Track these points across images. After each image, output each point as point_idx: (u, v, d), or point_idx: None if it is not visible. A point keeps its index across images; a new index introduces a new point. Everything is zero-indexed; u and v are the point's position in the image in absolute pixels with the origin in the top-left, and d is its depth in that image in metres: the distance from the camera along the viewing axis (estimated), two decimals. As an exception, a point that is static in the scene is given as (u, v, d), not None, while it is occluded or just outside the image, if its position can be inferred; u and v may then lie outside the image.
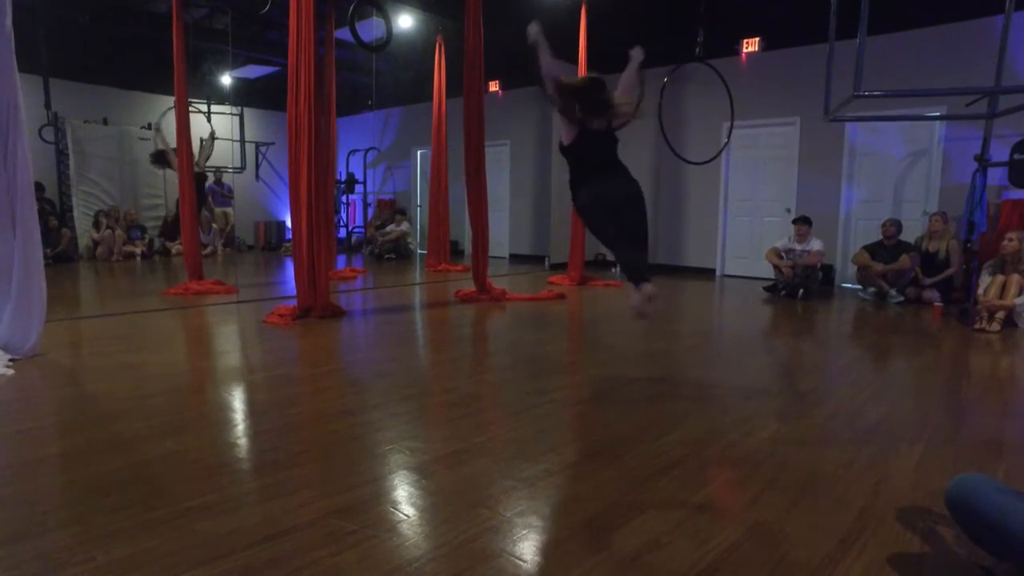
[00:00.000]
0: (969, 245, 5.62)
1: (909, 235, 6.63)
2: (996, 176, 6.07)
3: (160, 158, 8.21)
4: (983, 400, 3.15)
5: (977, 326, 4.82)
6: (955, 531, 1.63)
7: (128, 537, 1.60)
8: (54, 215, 9.20)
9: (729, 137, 6.46)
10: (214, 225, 9.85)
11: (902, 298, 6.28)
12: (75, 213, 9.73)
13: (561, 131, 3.35)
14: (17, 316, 3.46)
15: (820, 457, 2.22)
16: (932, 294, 6.11)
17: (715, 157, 6.71)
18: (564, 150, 3.32)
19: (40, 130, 8.76)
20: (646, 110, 3.74)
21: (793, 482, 2.00)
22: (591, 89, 3.18)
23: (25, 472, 2.03)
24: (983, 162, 5.48)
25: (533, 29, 3.30)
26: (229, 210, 10.79)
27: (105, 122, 10.08)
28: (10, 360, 3.34)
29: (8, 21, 3.23)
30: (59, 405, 2.84)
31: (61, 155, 9.65)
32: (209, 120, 9.02)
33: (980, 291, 5.06)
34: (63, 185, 9.76)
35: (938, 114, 6.26)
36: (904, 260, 6.22)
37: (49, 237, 8.37)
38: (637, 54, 3.55)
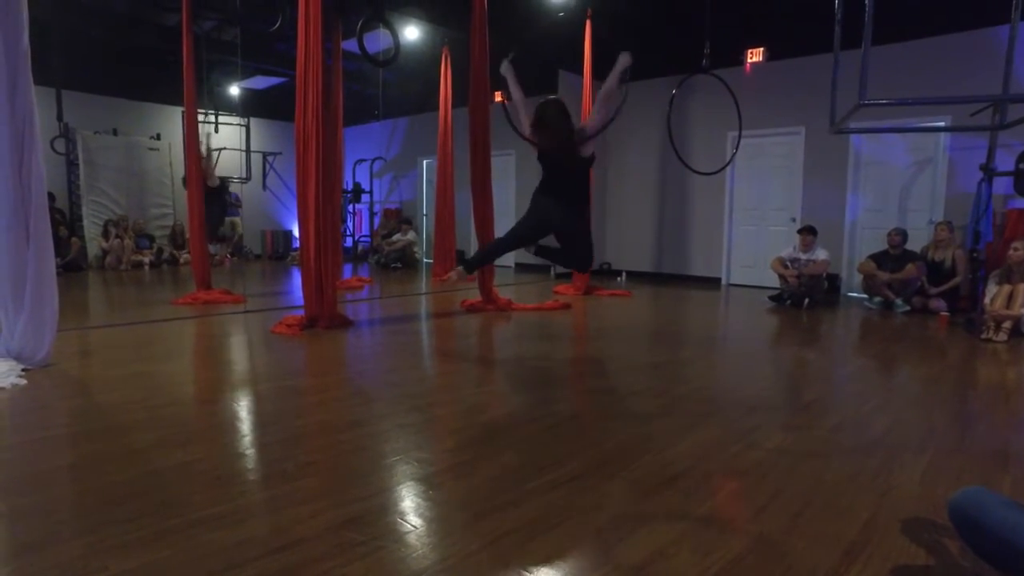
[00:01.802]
0: (975, 254, 5.62)
1: (915, 244, 6.63)
2: (1002, 185, 6.07)
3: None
4: (989, 411, 3.15)
5: (984, 336, 4.82)
6: (960, 543, 1.64)
7: (141, 547, 1.62)
8: (64, 224, 9.30)
9: (736, 148, 6.50)
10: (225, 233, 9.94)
11: (908, 307, 6.27)
12: (84, 222, 9.85)
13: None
14: (30, 326, 3.50)
15: (825, 468, 2.23)
16: (938, 303, 6.10)
17: (723, 168, 6.73)
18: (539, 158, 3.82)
19: (52, 141, 8.86)
20: (616, 117, 4.19)
21: (798, 493, 2.01)
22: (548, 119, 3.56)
23: (39, 482, 2.06)
24: (989, 171, 5.49)
25: (504, 66, 3.85)
26: (237, 219, 10.88)
27: (115, 133, 10.20)
28: (22, 370, 3.38)
29: (25, 39, 3.29)
30: (71, 415, 2.87)
31: (71, 166, 9.77)
32: (211, 131, 9.08)
33: (987, 300, 5.05)
34: (73, 195, 9.89)
35: (943, 124, 6.27)
36: (910, 269, 6.22)
37: (59, 246, 8.45)
38: (624, 59, 3.68)
